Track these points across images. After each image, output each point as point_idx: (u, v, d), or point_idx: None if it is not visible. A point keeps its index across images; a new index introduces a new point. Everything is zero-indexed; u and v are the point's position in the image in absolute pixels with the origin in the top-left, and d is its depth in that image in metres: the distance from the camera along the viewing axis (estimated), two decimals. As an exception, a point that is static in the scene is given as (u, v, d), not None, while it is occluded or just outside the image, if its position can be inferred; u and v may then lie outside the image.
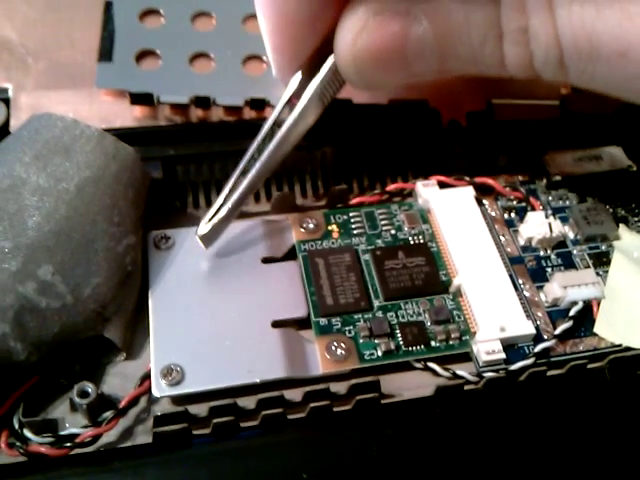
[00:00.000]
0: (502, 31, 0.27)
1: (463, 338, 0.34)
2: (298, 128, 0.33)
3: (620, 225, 0.39)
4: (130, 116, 0.39)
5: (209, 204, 0.34)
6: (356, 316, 0.34)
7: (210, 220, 0.34)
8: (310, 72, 0.32)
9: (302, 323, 0.34)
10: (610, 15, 0.25)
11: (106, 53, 0.40)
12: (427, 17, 0.28)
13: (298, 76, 0.33)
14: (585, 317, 0.35)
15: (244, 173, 0.34)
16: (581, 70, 0.27)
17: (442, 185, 0.39)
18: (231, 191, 0.34)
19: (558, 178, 0.40)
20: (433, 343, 0.34)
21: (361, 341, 0.33)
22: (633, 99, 0.28)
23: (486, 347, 0.33)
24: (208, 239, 0.35)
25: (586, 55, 0.26)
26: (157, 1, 0.43)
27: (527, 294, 0.36)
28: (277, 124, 0.34)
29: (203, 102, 0.39)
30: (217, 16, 0.43)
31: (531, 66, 0.28)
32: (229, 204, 0.34)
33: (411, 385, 0.33)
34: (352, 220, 0.38)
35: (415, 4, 0.28)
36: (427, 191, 0.38)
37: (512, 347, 0.34)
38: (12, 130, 0.37)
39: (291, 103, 0.33)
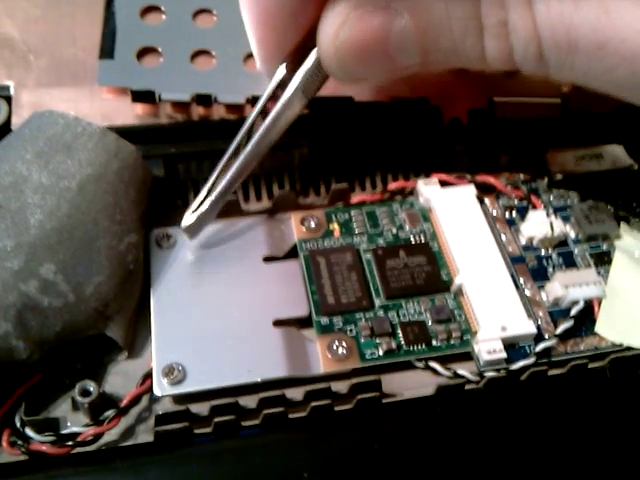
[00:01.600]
0: (482, 24, 0.28)
1: (464, 337, 0.34)
2: (282, 120, 0.33)
3: (621, 224, 0.39)
4: (131, 114, 0.39)
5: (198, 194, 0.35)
6: (357, 315, 0.34)
7: (194, 212, 0.34)
8: (294, 65, 0.32)
9: (303, 322, 0.34)
10: (588, 9, 0.26)
11: (108, 50, 0.40)
12: (408, 11, 0.28)
13: (282, 69, 0.33)
14: (586, 317, 0.35)
15: (229, 165, 0.34)
16: (560, 63, 0.28)
17: (443, 184, 0.39)
18: (215, 183, 0.34)
19: (559, 177, 0.40)
20: (434, 342, 0.34)
21: (362, 340, 0.33)
22: (611, 91, 0.29)
23: (487, 346, 0.33)
24: (192, 231, 0.35)
25: (565, 48, 0.27)
26: (158, -3, 0.43)
27: (528, 293, 0.36)
28: (261, 116, 0.34)
29: (204, 100, 0.39)
30: (218, 13, 0.43)
31: (511, 59, 0.28)
32: (213, 196, 0.34)
33: (412, 384, 0.33)
34: (353, 219, 0.38)
35: None
36: (428, 190, 0.38)
37: (513, 346, 0.34)
38: (14, 127, 0.37)
39: (275, 96, 0.33)
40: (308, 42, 0.31)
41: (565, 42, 0.27)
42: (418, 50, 0.29)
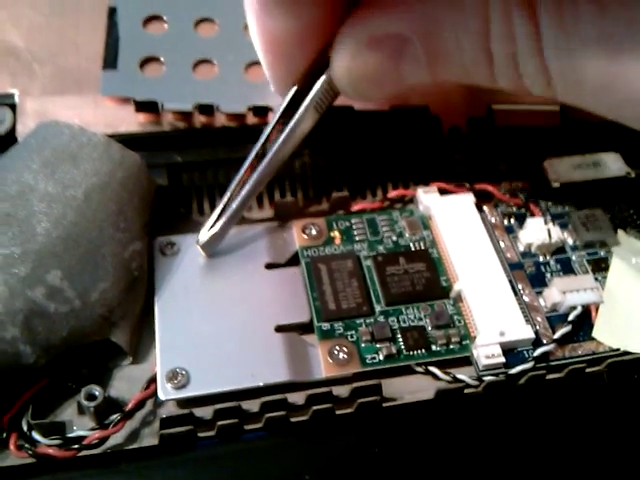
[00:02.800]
0: (492, 53, 0.28)
1: (463, 342, 0.34)
2: (295, 137, 0.34)
3: (618, 231, 0.39)
4: (135, 121, 0.40)
5: (214, 210, 0.35)
6: (358, 321, 0.35)
7: (210, 228, 0.35)
8: (306, 83, 0.33)
9: (305, 328, 0.35)
10: (594, 49, 0.26)
11: (111, 61, 0.40)
12: (419, 37, 0.29)
13: (295, 88, 0.33)
14: (584, 322, 0.36)
15: (243, 181, 0.35)
16: (568, 93, 0.28)
17: (442, 192, 0.39)
18: (230, 199, 0.35)
19: (557, 185, 0.41)
20: (434, 347, 0.34)
21: (363, 345, 0.34)
22: (621, 121, 0.29)
23: (486, 351, 0.34)
24: (209, 247, 0.35)
25: (571, 82, 0.27)
26: (160, 7, 0.43)
27: (526, 299, 0.36)
28: (274, 133, 0.34)
29: (207, 109, 0.39)
30: (220, 22, 0.43)
31: (521, 84, 0.29)
32: (229, 212, 0.35)
33: (412, 389, 0.34)
34: (354, 226, 0.38)
35: (407, 27, 0.29)
36: (428, 198, 0.39)
37: (512, 351, 0.34)
38: (18, 135, 0.37)
39: (288, 113, 0.34)
40: (320, 61, 0.32)
41: (572, 77, 0.27)
42: (429, 73, 0.30)
